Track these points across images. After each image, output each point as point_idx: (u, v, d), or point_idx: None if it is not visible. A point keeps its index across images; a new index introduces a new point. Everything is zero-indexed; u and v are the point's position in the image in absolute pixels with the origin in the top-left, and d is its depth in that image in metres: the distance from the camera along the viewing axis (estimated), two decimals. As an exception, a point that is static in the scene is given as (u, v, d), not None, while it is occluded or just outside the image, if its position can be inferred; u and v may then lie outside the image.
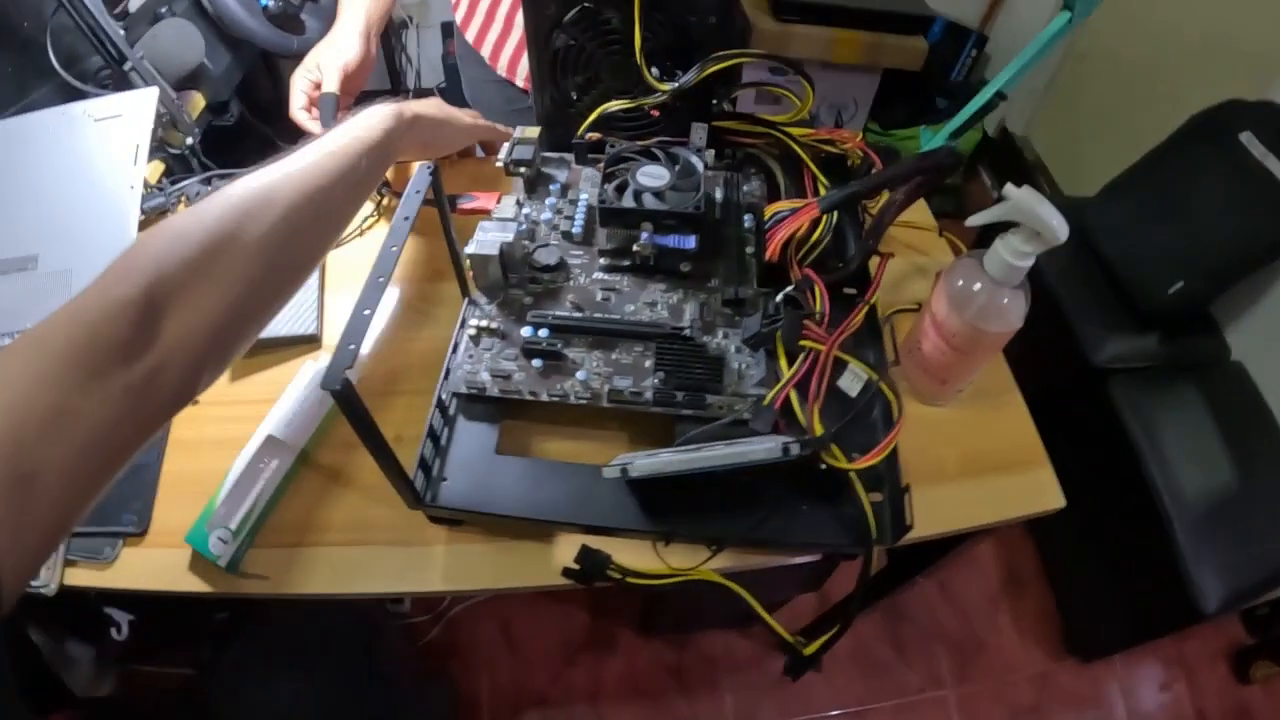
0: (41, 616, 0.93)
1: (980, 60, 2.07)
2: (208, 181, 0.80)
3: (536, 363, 0.59)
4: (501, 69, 1.00)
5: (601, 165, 0.64)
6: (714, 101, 0.69)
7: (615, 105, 0.68)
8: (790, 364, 0.56)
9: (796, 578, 1.04)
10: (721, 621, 1.38)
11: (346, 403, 0.40)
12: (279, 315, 0.69)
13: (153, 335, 0.41)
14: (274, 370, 0.70)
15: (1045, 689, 1.36)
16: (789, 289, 0.59)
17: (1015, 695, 1.36)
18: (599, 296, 0.63)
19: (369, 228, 0.81)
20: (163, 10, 0.95)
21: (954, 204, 2.06)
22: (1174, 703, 1.36)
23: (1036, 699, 1.35)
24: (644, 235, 0.60)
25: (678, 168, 0.62)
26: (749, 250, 0.65)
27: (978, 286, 0.55)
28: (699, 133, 0.68)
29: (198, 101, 0.95)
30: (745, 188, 0.71)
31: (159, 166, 0.81)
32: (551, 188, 0.70)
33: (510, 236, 0.61)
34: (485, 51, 1.00)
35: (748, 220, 0.67)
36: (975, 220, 0.53)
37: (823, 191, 0.68)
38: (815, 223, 0.63)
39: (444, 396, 0.60)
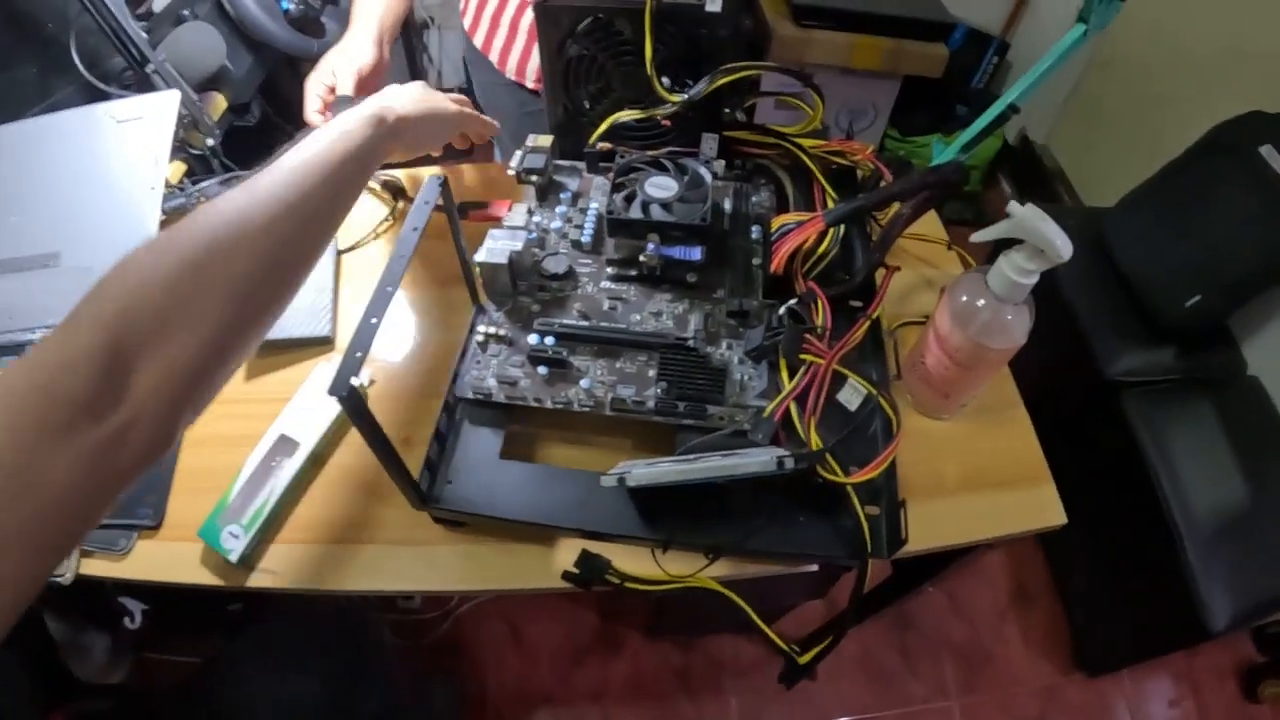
0: (58, 605, 0.95)
1: (1002, 67, 2.05)
2: (228, 182, 0.81)
3: (542, 370, 0.60)
4: (510, 72, 1.01)
5: (611, 175, 0.65)
6: (726, 111, 0.70)
7: (627, 115, 0.68)
8: (791, 377, 0.57)
9: (801, 585, 1.04)
10: (729, 626, 1.38)
11: (353, 409, 0.42)
12: (294, 317, 0.71)
13: (122, 388, 0.38)
14: (288, 370, 0.71)
15: (1051, 702, 1.35)
16: (792, 302, 0.59)
17: (1021, 708, 1.35)
18: (606, 305, 0.63)
19: (384, 231, 0.83)
20: (185, 13, 0.97)
21: (973, 212, 2.05)
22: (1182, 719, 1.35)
23: (1042, 712, 1.34)
24: (650, 246, 0.61)
25: (686, 179, 0.63)
26: (755, 262, 0.65)
27: (981, 303, 0.56)
28: (709, 143, 0.69)
29: (219, 103, 0.97)
30: (754, 199, 0.72)
31: (180, 167, 0.82)
32: (563, 196, 0.71)
33: (520, 245, 0.61)
34: (493, 56, 1.01)
35: (755, 232, 0.67)
36: (979, 237, 0.54)
37: (831, 204, 0.68)
38: (823, 235, 0.64)
39: (451, 401, 0.61)
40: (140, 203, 0.72)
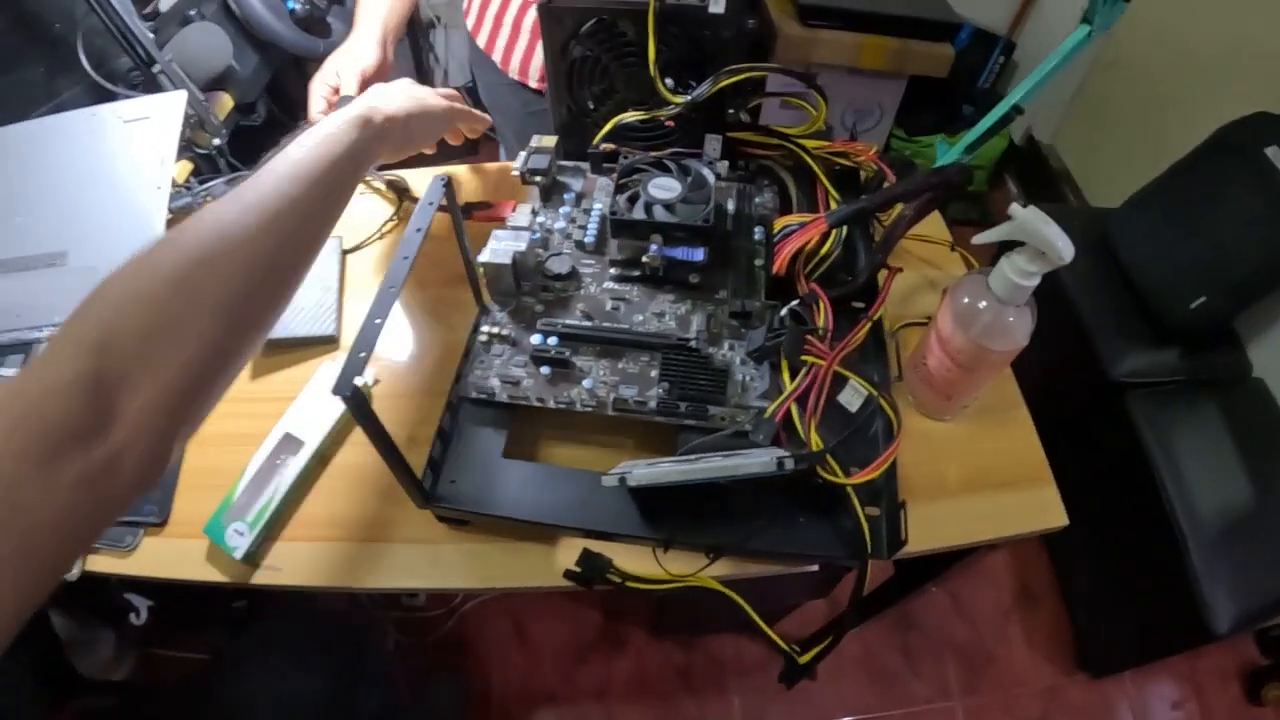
0: (63, 601, 0.96)
1: (1008, 67, 2.05)
2: (234, 181, 0.82)
3: (545, 370, 0.60)
4: (514, 72, 1.01)
5: (615, 176, 0.65)
6: (730, 112, 0.70)
7: (630, 116, 0.69)
8: (793, 378, 0.57)
9: (803, 585, 1.05)
10: (732, 625, 1.38)
11: (357, 408, 0.42)
12: (299, 316, 0.72)
13: (108, 416, 0.36)
14: (293, 369, 0.72)
15: (1054, 703, 1.35)
16: (794, 303, 0.60)
17: (1023, 709, 1.35)
18: (609, 306, 0.64)
19: (389, 231, 0.83)
20: (191, 13, 0.98)
21: (979, 212, 2.05)
22: (1184, 722, 1.35)
23: (1044, 713, 1.34)
24: (653, 247, 0.61)
25: (689, 180, 0.63)
26: (758, 263, 0.66)
27: (983, 304, 0.56)
28: (713, 144, 0.69)
29: (226, 103, 0.98)
30: (758, 200, 0.72)
31: (187, 166, 0.83)
32: (566, 196, 0.71)
33: (523, 246, 0.62)
34: (496, 56, 1.02)
35: (758, 233, 0.68)
36: (980, 239, 0.54)
37: (834, 205, 0.68)
38: (825, 236, 0.64)
39: (454, 400, 0.61)
40: (147, 202, 0.73)
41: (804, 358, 0.57)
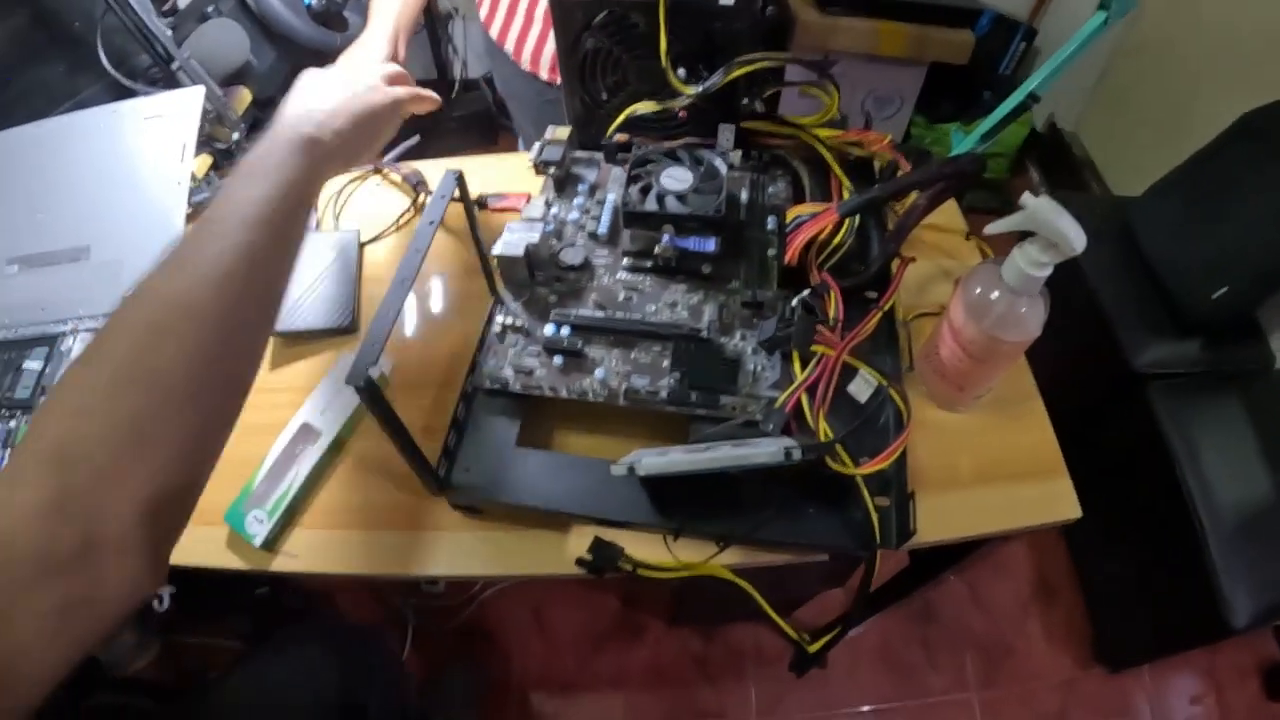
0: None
1: (1029, 54, 2.02)
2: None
3: (558, 360, 0.60)
4: (526, 63, 1.02)
5: (627, 167, 0.65)
6: (744, 102, 0.70)
7: (643, 107, 0.69)
8: (804, 368, 0.57)
9: (818, 574, 1.05)
10: (749, 615, 1.38)
11: (370, 398, 0.43)
12: (317, 308, 0.73)
13: (83, 539, 0.33)
14: (311, 360, 0.73)
15: (1071, 696, 1.34)
16: (805, 293, 0.60)
17: (1040, 702, 1.34)
18: (621, 296, 0.64)
19: (406, 223, 0.84)
20: (209, 10, 0.99)
21: (999, 201, 2.02)
22: (1203, 717, 1.33)
23: (1062, 706, 1.34)
24: (665, 238, 0.61)
25: (702, 170, 0.63)
26: (771, 253, 0.66)
27: (995, 295, 0.55)
28: (726, 134, 0.69)
29: (244, 97, 0.99)
30: (771, 189, 0.72)
31: (206, 161, 0.84)
32: (580, 187, 0.72)
33: (536, 238, 0.62)
34: (509, 46, 1.02)
35: (771, 222, 0.67)
36: (992, 229, 0.53)
37: (847, 194, 0.68)
38: (838, 226, 0.64)
39: (469, 390, 0.62)
40: (167, 197, 0.74)
41: (814, 348, 0.57)
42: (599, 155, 0.74)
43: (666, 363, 0.60)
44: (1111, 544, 1.36)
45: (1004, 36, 1.98)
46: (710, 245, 0.61)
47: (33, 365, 0.72)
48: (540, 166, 0.70)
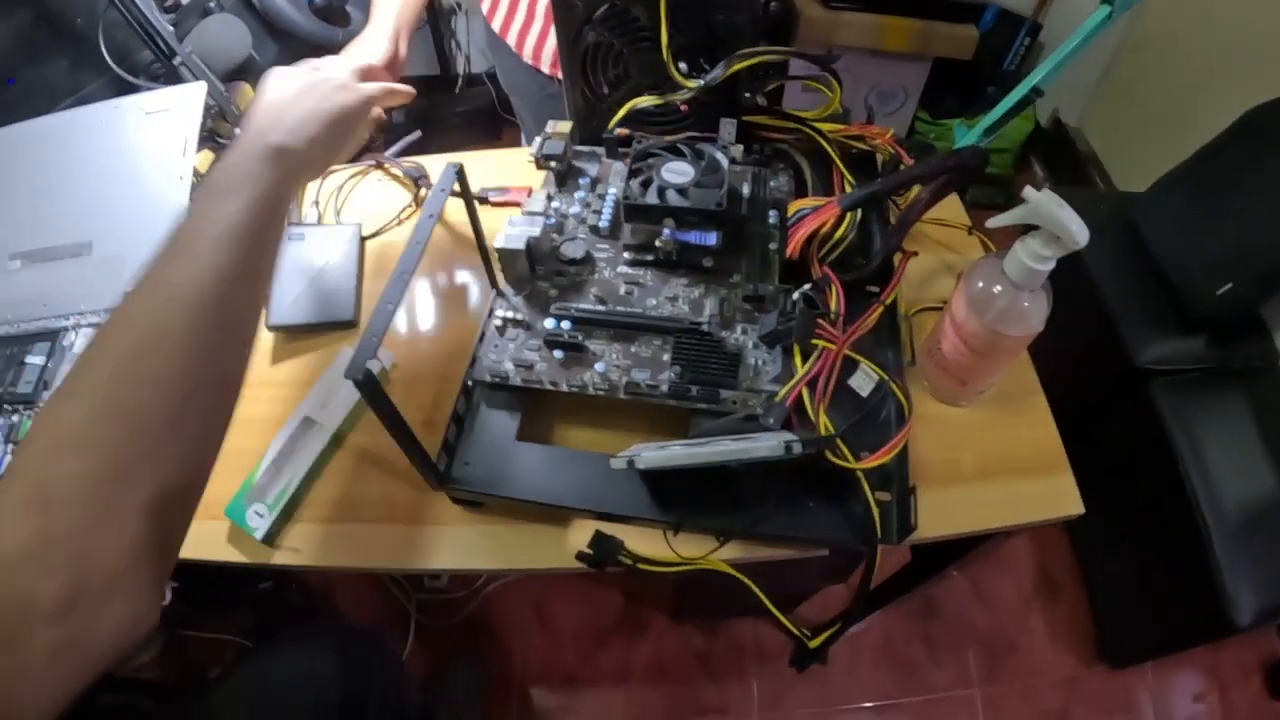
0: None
1: (1034, 49, 2.01)
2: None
3: (558, 354, 0.60)
4: (527, 56, 1.02)
5: (628, 161, 0.65)
6: (746, 96, 0.70)
7: (644, 101, 0.68)
8: (804, 362, 0.57)
9: (820, 569, 1.05)
10: (752, 611, 1.39)
11: (368, 392, 0.43)
12: (319, 302, 0.73)
13: (70, 581, 0.32)
14: (312, 354, 0.73)
15: (1073, 693, 1.34)
16: (806, 287, 0.59)
17: (1043, 698, 1.34)
18: (622, 290, 0.64)
19: (408, 217, 0.84)
20: (210, 5, 0.99)
21: (1004, 196, 2.02)
22: (1205, 715, 1.33)
23: (1064, 703, 1.33)
24: (666, 231, 0.61)
25: (703, 164, 0.63)
26: (772, 246, 0.65)
27: (998, 289, 0.55)
28: (727, 128, 0.69)
29: (246, 92, 0.99)
30: (773, 183, 0.71)
31: (209, 156, 0.84)
32: (582, 181, 0.72)
33: (537, 231, 0.62)
34: (511, 40, 1.02)
35: (773, 216, 0.67)
36: (994, 223, 0.53)
37: (849, 189, 0.68)
38: (840, 220, 0.64)
39: (469, 384, 0.62)
40: (169, 193, 0.74)
41: (815, 342, 0.57)
42: (600, 150, 0.74)
43: (667, 357, 0.60)
44: (1115, 541, 1.35)
45: (1008, 32, 1.97)
46: (711, 239, 0.61)
47: (35, 360, 0.72)
48: (541, 161, 0.70)
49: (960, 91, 1.94)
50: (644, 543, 0.57)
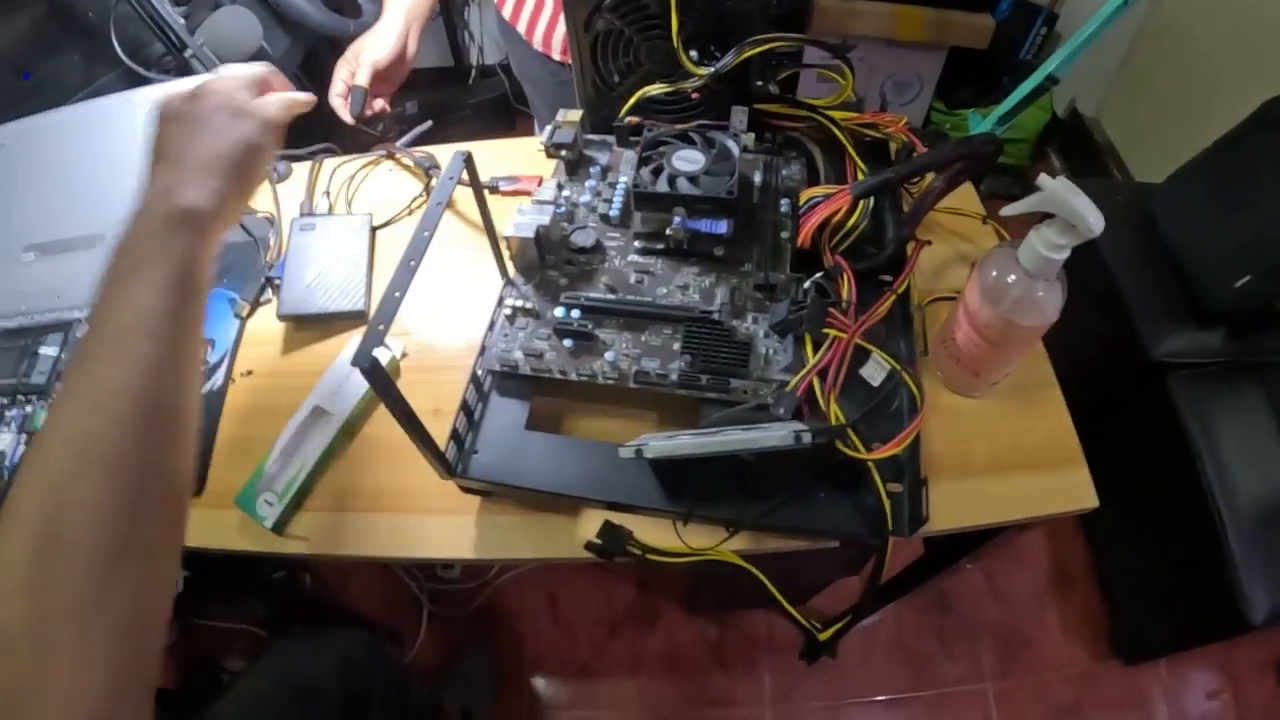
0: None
1: (1050, 38, 1.99)
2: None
3: (568, 342, 0.60)
4: (538, 44, 1.01)
5: (638, 149, 0.64)
6: (758, 84, 0.69)
7: (655, 89, 0.68)
8: (816, 351, 0.56)
9: (833, 562, 1.04)
10: (765, 603, 1.38)
11: (376, 380, 0.43)
12: (329, 292, 0.73)
13: None
14: (322, 344, 0.73)
15: (1086, 688, 1.33)
16: (818, 275, 0.59)
17: (1055, 693, 1.33)
18: (632, 279, 0.64)
19: (418, 207, 0.84)
20: (221, -3, 1.00)
21: (1021, 186, 2.00)
22: (1219, 712, 1.31)
23: (1077, 698, 1.32)
24: (676, 219, 0.61)
25: (714, 151, 0.63)
26: (784, 235, 0.65)
27: (1012, 278, 0.54)
28: (739, 116, 0.68)
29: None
30: (785, 172, 0.71)
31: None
32: (592, 170, 0.71)
33: (547, 220, 0.62)
34: (521, 27, 1.02)
35: (784, 204, 0.67)
36: (1008, 211, 0.52)
37: (861, 177, 0.67)
38: (853, 208, 0.63)
39: (479, 373, 0.62)
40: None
41: (826, 331, 0.56)
42: (611, 138, 0.73)
43: (677, 345, 0.59)
44: (1130, 535, 1.34)
45: (1025, 21, 1.95)
46: (722, 227, 0.61)
47: (49, 351, 0.73)
48: (551, 149, 0.69)
49: (976, 81, 1.92)
50: (653, 533, 0.57)
